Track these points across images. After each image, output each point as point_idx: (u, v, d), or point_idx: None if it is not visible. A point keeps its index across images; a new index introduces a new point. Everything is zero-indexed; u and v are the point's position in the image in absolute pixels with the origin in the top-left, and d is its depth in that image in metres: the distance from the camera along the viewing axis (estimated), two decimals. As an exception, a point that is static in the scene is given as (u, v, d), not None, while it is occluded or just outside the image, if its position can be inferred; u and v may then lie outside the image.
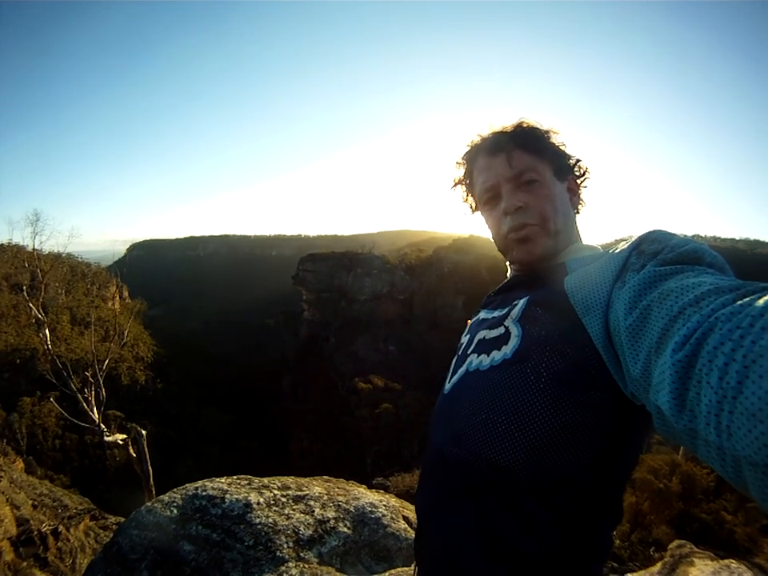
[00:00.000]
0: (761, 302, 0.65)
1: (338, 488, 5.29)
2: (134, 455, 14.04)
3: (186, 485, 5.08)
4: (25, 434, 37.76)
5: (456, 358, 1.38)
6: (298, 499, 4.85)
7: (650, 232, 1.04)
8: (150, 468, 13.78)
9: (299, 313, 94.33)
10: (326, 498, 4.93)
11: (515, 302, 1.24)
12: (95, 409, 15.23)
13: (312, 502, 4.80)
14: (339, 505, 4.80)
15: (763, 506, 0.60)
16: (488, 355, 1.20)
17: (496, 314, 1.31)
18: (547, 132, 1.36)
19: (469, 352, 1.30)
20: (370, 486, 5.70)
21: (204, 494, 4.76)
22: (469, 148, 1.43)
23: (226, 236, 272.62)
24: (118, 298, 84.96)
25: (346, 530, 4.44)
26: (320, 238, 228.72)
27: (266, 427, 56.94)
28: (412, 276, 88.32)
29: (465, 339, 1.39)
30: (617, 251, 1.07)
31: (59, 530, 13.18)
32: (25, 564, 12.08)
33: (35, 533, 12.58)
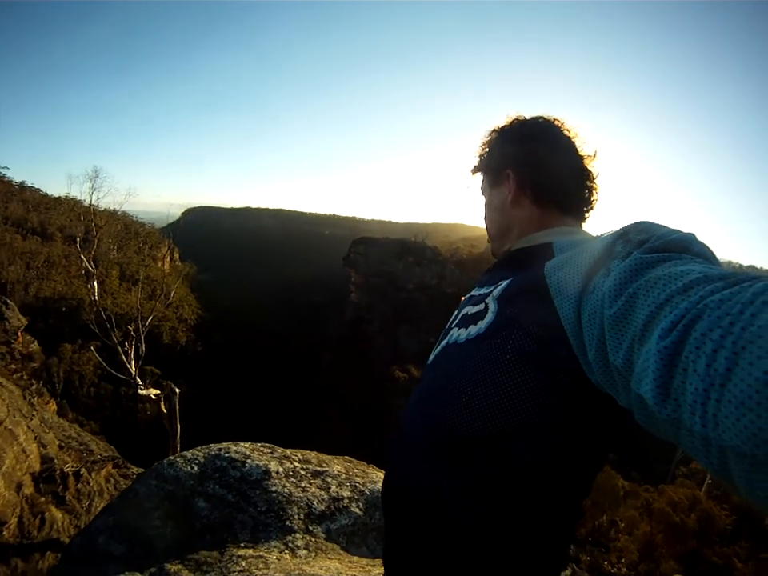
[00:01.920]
0: (751, 289, 0.64)
1: (357, 469, 5.31)
2: (165, 411, 14.19)
3: (210, 444, 5.16)
4: (62, 378, 38.19)
5: (443, 331, 1.41)
6: (316, 474, 4.89)
7: (637, 222, 0.99)
8: (178, 425, 13.93)
9: (346, 294, 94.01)
10: (343, 476, 4.96)
11: (500, 282, 1.27)
12: (133, 362, 15.43)
13: (329, 479, 4.84)
14: (356, 485, 4.83)
15: (748, 498, 0.58)
16: (466, 329, 1.25)
17: (483, 291, 1.34)
18: (486, 142, 1.48)
19: (453, 325, 1.36)
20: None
21: (226, 455, 4.86)
22: (488, 137, 1.52)
23: (281, 210, 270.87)
24: (168, 259, 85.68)
25: (357, 510, 4.48)
26: (374, 222, 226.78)
27: (300, 402, 56.89)
28: (462, 271, 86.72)
29: (454, 314, 1.44)
30: (600, 238, 1.04)
31: (81, 472, 13.40)
32: (42, 499, 12.33)
33: (57, 472, 12.81)
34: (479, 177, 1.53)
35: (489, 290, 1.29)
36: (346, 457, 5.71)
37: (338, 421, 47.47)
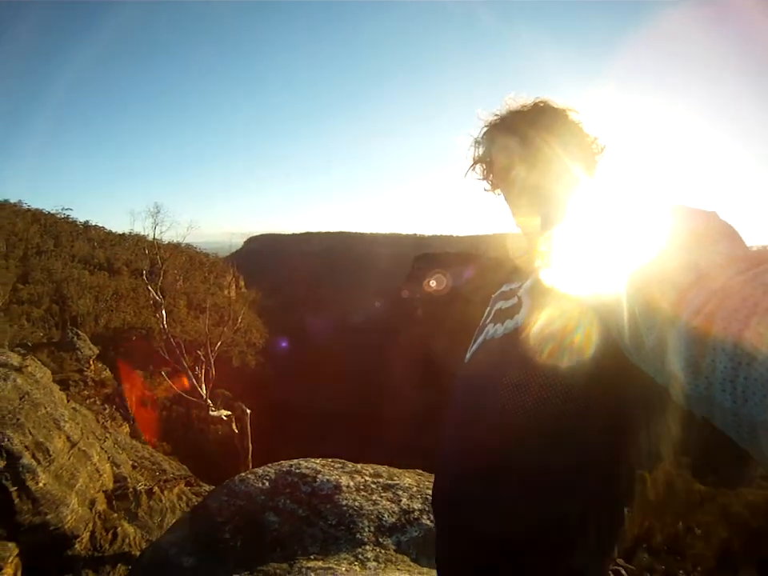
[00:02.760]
0: None
1: (428, 481, 5.31)
2: (236, 431, 14.45)
3: (282, 461, 5.25)
4: (134, 402, 39.02)
5: (477, 329, 1.43)
6: (387, 487, 4.92)
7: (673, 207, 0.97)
8: (250, 445, 14.17)
9: (412, 311, 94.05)
10: (414, 489, 4.97)
11: (530, 276, 1.27)
12: (203, 385, 15.77)
13: (400, 492, 4.86)
14: (427, 498, 4.84)
15: None
16: (502, 324, 1.25)
17: (513, 286, 1.35)
18: (564, 110, 1.38)
19: (487, 322, 1.37)
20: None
21: (297, 471, 4.95)
22: (486, 127, 1.46)
23: (342, 233, 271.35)
24: (233, 286, 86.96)
25: (428, 522, 4.47)
26: (434, 238, 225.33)
27: (370, 420, 56.98)
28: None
29: (486, 311, 1.45)
30: None
31: (154, 490, 13.65)
32: (115, 515, 12.60)
33: (130, 489, 13.09)
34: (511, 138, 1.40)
35: (518, 285, 1.31)
36: (418, 470, 5.71)
37: (409, 436, 47.30)
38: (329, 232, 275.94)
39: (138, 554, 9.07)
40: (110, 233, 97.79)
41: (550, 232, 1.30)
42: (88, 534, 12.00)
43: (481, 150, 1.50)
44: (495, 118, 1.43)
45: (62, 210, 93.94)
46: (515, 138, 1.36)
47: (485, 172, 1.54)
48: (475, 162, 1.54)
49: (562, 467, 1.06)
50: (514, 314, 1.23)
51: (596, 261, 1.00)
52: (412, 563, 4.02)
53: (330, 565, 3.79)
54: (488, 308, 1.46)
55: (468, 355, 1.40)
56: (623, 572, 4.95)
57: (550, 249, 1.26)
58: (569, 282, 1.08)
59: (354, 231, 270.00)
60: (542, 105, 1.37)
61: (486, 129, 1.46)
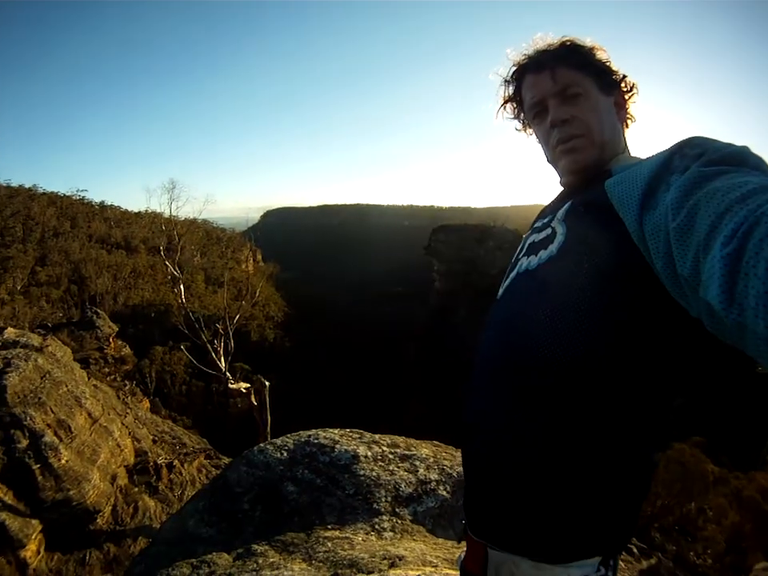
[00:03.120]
0: None
1: (445, 452, 5.31)
2: (255, 404, 14.51)
3: (300, 431, 5.28)
4: (153, 378, 39.11)
5: (509, 266, 1.42)
6: (404, 458, 4.93)
7: (691, 137, 1.03)
8: (269, 417, 14.25)
9: (430, 283, 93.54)
10: (431, 460, 4.97)
11: (561, 206, 1.29)
12: (223, 359, 15.82)
13: (417, 462, 4.87)
14: (443, 468, 4.84)
15: None
16: (536, 255, 1.25)
17: (545, 220, 1.35)
18: (591, 48, 1.37)
19: (520, 256, 1.37)
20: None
21: (315, 441, 4.97)
22: (515, 67, 1.44)
23: (359, 205, 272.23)
24: (251, 260, 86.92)
25: (444, 493, 4.49)
26: (452, 210, 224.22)
27: (387, 391, 56.75)
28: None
29: (518, 248, 1.44)
30: (656, 155, 1.07)
31: (174, 463, 13.79)
32: (136, 489, 12.76)
33: (151, 464, 13.23)
34: (570, 74, 1.34)
35: (551, 217, 1.31)
36: (435, 441, 5.71)
37: (425, 409, 47.25)
38: (345, 204, 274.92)
39: (158, 526, 9.17)
40: (126, 212, 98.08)
41: (585, 162, 1.31)
42: (110, 508, 12.26)
43: (511, 89, 1.49)
44: (523, 57, 1.41)
45: (77, 191, 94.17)
46: (544, 72, 1.35)
47: (516, 111, 1.53)
48: (505, 102, 1.53)
49: (599, 399, 1.07)
50: (548, 245, 1.23)
51: (630, 187, 1.03)
52: (428, 534, 4.05)
53: (347, 534, 3.83)
54: (519, 245, 1.45)
55: (500, 291, 1.40)
56: (635, 550, 4.95)
57: (583, 178, 1.31)
58: (604, 208, 1.09)
59: (370, 203, 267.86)
60: (569, 43, 1.37)
61: (514, 68, 1.45)
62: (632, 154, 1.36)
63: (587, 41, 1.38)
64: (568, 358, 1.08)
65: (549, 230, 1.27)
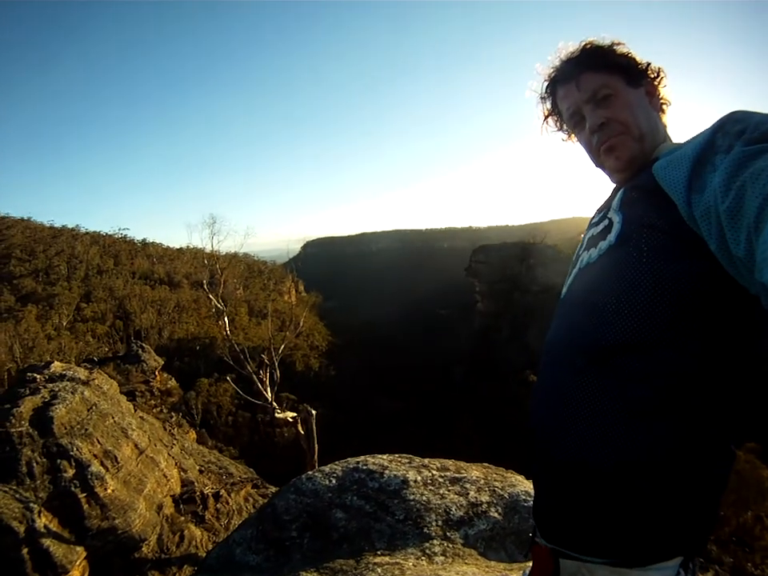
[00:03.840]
0: None
1: (496, 474, 5.26)
2: (302, 433, 14.60)
3: (348, 458, 5.28)
4: (200, 410, 39.78)
5: (571, 264, 1.46)
6: (454, 481, 4.88)
7: (732, 112, 1.03)
8: (316, 445, 14.37)
9: (473, 304, 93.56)
10: (482, 482, 4.92)
11: (614, 198, 1.31)
12: (269, 389, 15.95)
13: (468, 485, 4.81)
14: (494, 490, 4.78)
15: None
16: (596, 247, 1.28)
17: (601, 214, 1.37)
18: (611, 46, 1.40)
19: (580, 252, 1.40)
20: (529, 479, 5.60)
21: (364, 467, 4.93)
22: (546, 82, 1.50)
23: (398, 231, 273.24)
24: (293, 291, 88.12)
25: (496, 515, 4.41)
26: (491, 229, 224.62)
27: (435, 415, 56.60)
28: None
29: (578, 247, 1.46)
30: (699, 134, 1.08)
31: (220, 493, 13.94)
32: (182, 519, 12.89)
33: (197, 493, 13.38)
34: (595, 77, 1.38)
35: (607, 209, 1.33)
36: (485, 463, 5.66)
37: (474, 431, 47.10)
38: (384, 231, 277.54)
39: (204, 555, 9.24)
40: (167, 248, 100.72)
41: (629, 157, 1.34)
42: (155, 536, 12.47)
43: (548, 104, 1.54)
44: (551, 70, 1.46)
45: (119, 230, 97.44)
46: (571, 83, 1.39)
47: (557, 123, 1.56)
48: (546, 117, 1.57)
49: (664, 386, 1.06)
50: (606, 235, 1.24)
51: (678, 170, 1.05)
52: (479, 557, 3.97)
53: (398, 560, 3.78)
54: (580, 244, 1.47)
55: (564, 290, 1.42)
56: (690, 564, 4.81)
57: (631, 173, 1.33)
58: (655, 192, 1.10)
59: (409, 228, 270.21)
60: (589, 47, 1.40)
61: (546, 83, 1.50)
62: (673, 142, 1.38)
63: (606, 39, 1.41)
64: (636, 338, 1.08)
65: (606, 222, 1.28)
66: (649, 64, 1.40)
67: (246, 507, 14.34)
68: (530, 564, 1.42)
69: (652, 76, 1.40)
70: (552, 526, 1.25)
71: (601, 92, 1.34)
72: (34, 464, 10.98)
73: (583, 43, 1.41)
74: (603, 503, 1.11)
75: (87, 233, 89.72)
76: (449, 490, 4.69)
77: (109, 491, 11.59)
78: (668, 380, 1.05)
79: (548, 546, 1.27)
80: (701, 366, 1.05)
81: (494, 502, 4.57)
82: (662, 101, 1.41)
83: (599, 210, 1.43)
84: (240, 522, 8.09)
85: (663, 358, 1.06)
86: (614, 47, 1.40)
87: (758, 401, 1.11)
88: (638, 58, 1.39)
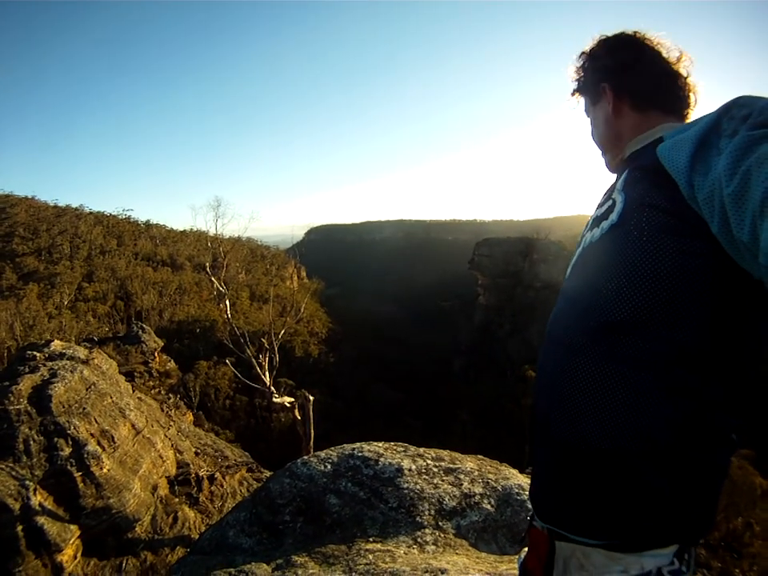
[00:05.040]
0: None
1: (490, 466, 5.28)
2: (299, 418, 14.64)
3: (344, 445, 5.31)
4: (198, 392, 39.89)
5: (577, 244, 1.46)
6: (449, 471, 4.90)
7: (738, 97, 1.04)
8: (312, 431, 14.41)
9: (474, 297, 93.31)
10: (476, 473, 4.93)
11: (619, 179, 1.31)
12: (267, 373, 15.99)
13: (462, 476, 4.83)
14: (488, 482, 4.79)
15: None
16: (599, 227, 1.28)
17: (606, 195, 1.37)
18: (577, 67, 1.53)
19: (585, 232, 1.41)
20: (523, 473, 5.61)
21: (359, 454, 4.97)
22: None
23: (402, 221, 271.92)
24: (295, 277, 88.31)
25: (489, 507, 4.43)
26: (495, 223, 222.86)
27: (432, 407, 56.63)
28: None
29: (583, 229, 1.46)
30: (705, 116, 1.09)
31: (215, 476, 13.98)
32: (177, 500, 12.96)
33: (192, 475, 13.43)
34: (581, 100, 1.58)
35: (612, 190, 1.33)
36: (479, 456, 5.66)
37: (471, 425, 47.03)
38: (388, 220, 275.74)
39: (197, 536, 9.36)
40: (171, 230, 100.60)
41: (611, 166, 1.49)
42: (149, 517, 12.56)
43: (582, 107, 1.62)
44: (572, 78, 1.56)
45: (123, 211, 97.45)
46: (584, 96, 1.56)
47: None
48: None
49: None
50: (609, 215, 1.25)
51: (683, 152, 1.05)
52: (470, 548, 3.99)
53: (389, 547, 3.79)
54: (586, 224, 1.47)
55: (568, 270, 1.43)
56: (686, 555, 4.84)
57: (643, 153, 1.31)
58: (659, 171, 1.10)
59: (413, 219, 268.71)
60: (584, 56, 1.51)
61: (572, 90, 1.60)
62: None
63: (572, 60, 1.54)
64: (636, 316, 1.10)
65: (610, 202, 1.28)
66: (603, 72, 1.45)
67: (241, 491, 14.41)
68: (526, 550, 1.46)
69: (611, 80, 1.43)
70: (548, 504, 1.27)
71: (586, 114, 1.56)
72: (31, 442, 11.09)
73: (583, 52, 1.51)
74: (599, 482, 1.13)
75: (91, 213, 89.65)
76: (443, 480, 4.71)
77: (104, 470, 11.66)
78: (667, 359, 1.07)
79: (544, 527, 1.30)
80: (700, 346, 1.06)
81: (487, 493, 4.59)
82: (621, 103, 1.42)
83: (606, 191, 1.43)
84: (234, 504, 8.15)
85: (663, 337, 1.07)
86: (576, 70, 1.53)
87: (756, 402, 1.11)
88: (591, 69, 1.49)
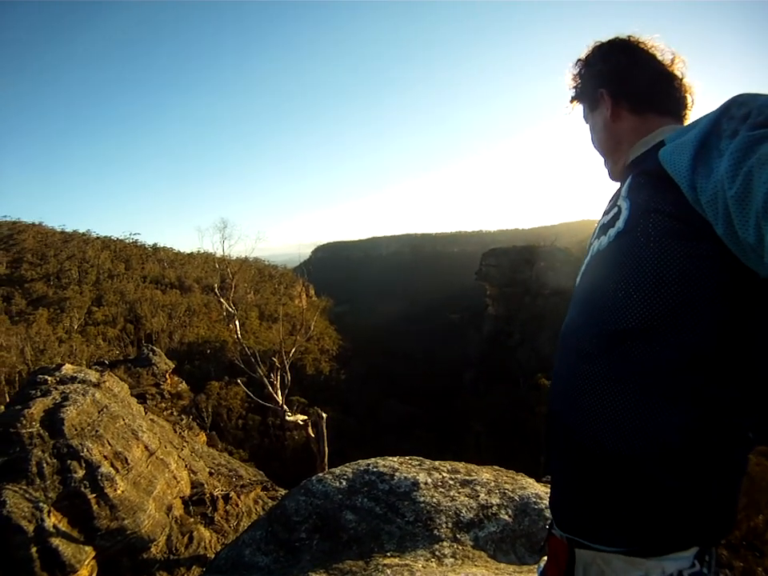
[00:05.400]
0: None
1: (506, 476, 5.26)
2: (312, 435, 14.63)
3: (359, 460, 5.30)
4: (210, 412, 39.97)
5: (585, 254, 1.44)
6: (465, 483, 4.88)
7: (737, 95, 1.03)
8: (326, 448, 14.39)
9: (483, 308, 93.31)
10: (492, 484, 4.91)
11: (623, 185, 1.29)
12: (279, 391, 15.98)
13: (478, 487, 4.81)
14: (505, 492, 4.77)
15: None
16: (606, 235, 1.26)
17: (612, 202, 1.35)
18: (572, 76, 1.54)
19: (592, 241, 1.39)
20: (540, 482, 5.57)
21: (374, 470, 4.95)
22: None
23: (408, 235, 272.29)
24: (304, 296, 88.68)
25: (506, 517, 4.40)
26: (501, 233, 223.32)
27: (445, 420, 56.40)
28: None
29: (591, 236, 1.45)
30: (704, 116, 1.08)
31: (230, 495, 13.98)
32: (192, 520, 12.95)
33: (207, 495, 13.44)
34: (579, 108, 1.58)
35: (617, 196, 1.31)
36: (495, 466, 5.63)
37: (485, 436, 46.86)
38: (394, 235, 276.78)
39: (213, 556, 9.33)
40: (178, 253, 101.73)
41: (613, 175, 1.48)
42: (164, 537, 12.58)
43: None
44: (569, 86, 1.56)
45: (130, 235, 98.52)
46: (582, 102, 1.57)
47: None
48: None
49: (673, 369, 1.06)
50: (615, 222, 1.23)
51: (684, 155, 1.04)
52: (489, 559, 3.96)
53: (407, 561, 3.76)
54: (593, 232, 1.46)
55: (578, 279, 1.41)
56: (706, 557, 4.79)
57: (646, 158, 1.29)
58: (661, 176, 1.09)
59: (419, 233, 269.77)
60: (579, 63, 1.51)
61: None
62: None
63: (569, 67, 1.54)
64: (646, 322, 1.08)
65: (615, 209, 1.26)
66: (600, 77, 1.45)
67: (256, 509, 14.40)
68: (545, 559, 1.43)
69: (608, 85, 1.44)
70: (567, 514, 1.26)
71: (585, 120, 1.57)
72: (44, 464, 11.11)
73: (578, 60, 1.52)
74: (616, 487, 1.11)
75: (98, 237, 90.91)
76: (459, 492, 4.68)
77: (119, 492, 11.70)
78: (678, 364, 1.05)
79: (563, 536, 1.27)
80: (711, 349, 1.04)
81: (505, 504, 4.55)
82: (620, 108, 1.42)
83: (611, 198, 1.41)
84: (249, 523, 8.15)
85: (673, 342, 1.05)
86: (573, 77, 1.54)
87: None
88: (587, 75, 1.50)
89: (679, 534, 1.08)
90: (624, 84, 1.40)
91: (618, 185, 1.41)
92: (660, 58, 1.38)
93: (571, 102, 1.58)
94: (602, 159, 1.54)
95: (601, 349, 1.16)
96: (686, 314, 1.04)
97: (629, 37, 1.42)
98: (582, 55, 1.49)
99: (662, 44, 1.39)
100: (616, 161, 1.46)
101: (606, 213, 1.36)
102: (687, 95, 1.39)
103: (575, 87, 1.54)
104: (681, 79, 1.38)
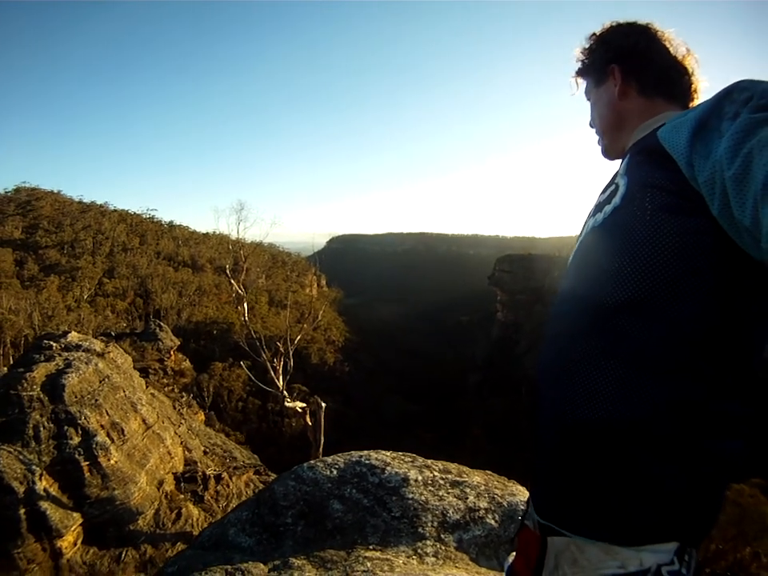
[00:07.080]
0: None
1: (497, 482, 5.22)
2: (310, 424, 14.66)
3: (352, 451, 5.26)
4: (211, 392, 40.15)
5: (580, 230, 1.44)
6: (455, 484, 4.84)
7: (739, 81, 1.03)
8: (322, 438, 14.43)
9: (493, 313, 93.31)
10: (482, 488, 4.88)
11: (622, 164, 1.30)
12: (281, 377, 16.01)
13: (468, 490, 4.77)
14: (494, 497, 4.73)
15: None
16: (601, 211, 1.27)
17: (610, 180, 1.34)
18: (581, 50, 1.53)
19: (588, 218, 1.38)
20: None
21: (366, 462, 4.92)
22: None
23: (423, 233, 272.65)
24: (315, 285, 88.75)
25: (493, 522, 4.37)
26: (516, 240, 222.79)
27: (446, 421, 56.44)
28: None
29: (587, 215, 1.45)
30: (706, 101, 1.09)
31: (222, 475, 14.07)
32: (182, 497, 13.03)
33: (199, 473, 13.53)
34: (582, 83, 1.58)
35: (615, 174, 1.31)
36: (488, 471, 5.61)
37: (483, 440, 46.92)
38: (410, 233, 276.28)
39: None
40: (194, 232, 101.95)
41: (609, 154, 1.51)
42: (152, 511, 12.67)
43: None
44: (576, 59, 1.56)
45: (147, 210, 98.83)
46: (587, 77, 1.55)
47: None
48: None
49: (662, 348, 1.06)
50: (612, 198, 1.23)
51: (683, 134, 1.05)
52: (471, 562, 3.94)
53: (388, 556, 3.76)
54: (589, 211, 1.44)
55: (570, 258, 1.41)
56: (686, 556, 4.77)
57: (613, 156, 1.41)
58: (660, 153, 1.10)
59: (435, 232, 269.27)
60: (593, 37, 1.50)
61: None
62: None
63: (578, 43, 1.54)
64: (639, 296, 1.08)
65: (613, 186, 1.27)
66: (609, 50, 1.45)
67: (246, 492, 14.46)
68: (514, 554, 1.42)
69: (616, 61, 1.44)
70: (545, 498, 1.26)
71: (587, 96, 1.56)
72: (41, 428, 11.27)
73: (585, 43, 1.52)
74: (598, 469, 1.11)
75: (115, 210, 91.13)
76: (448, 493, 4.65)
77: (112, 462, 11.82)
78: (668, 340, 1.05)
79: (539, 522, 1.26)
80: (701, 326, 1.04)
81: (492, 509, 4.53)
82: (629, 87, 1.43)
83: (610, 179, 1.39)
84: (238, 505, 8.17)
85: (663, 316, 1.06)
86: (582, 50, 1.52)
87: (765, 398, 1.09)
88: (598, 51, 1.48)
89: (659, 523, 1.07)
90: (638, 64, 1.41)
91: (615, 165, 1.42)
92: (675, 50, 1.39)
93: (575, 76, 1.58)
94: (598, 137, 1.56)
95: (591, 323, 1.17)
96: (678, 288, 1.05)
97: (647, 24, 1.44)
98: (597, 31, 1.50)
99: (678, 38, 1.41)
100: (613, 140, 1.48)
101: (603, 191, 1.36)
102: (695, 90, 1.41)
103: (583, 61, 1.54)
104: (691, 74, 1.40)
